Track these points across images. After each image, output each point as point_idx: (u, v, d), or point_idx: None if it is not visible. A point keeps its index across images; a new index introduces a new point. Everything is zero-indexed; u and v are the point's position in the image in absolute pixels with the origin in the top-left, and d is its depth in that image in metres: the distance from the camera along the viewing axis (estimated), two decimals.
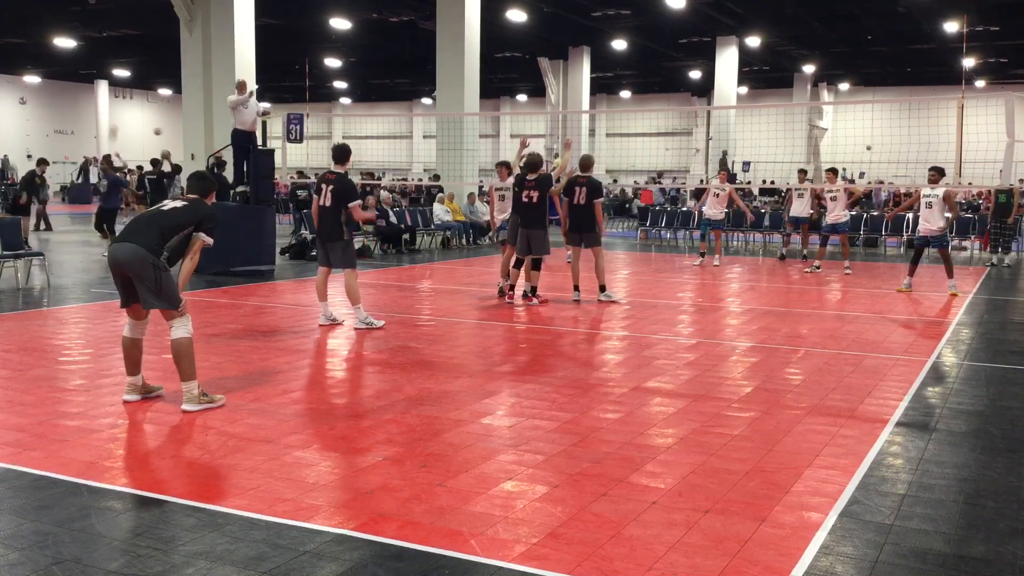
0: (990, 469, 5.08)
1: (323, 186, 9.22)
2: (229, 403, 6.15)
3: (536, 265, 11.26)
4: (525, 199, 11.07)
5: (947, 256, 13.04)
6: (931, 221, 12.74)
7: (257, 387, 6.67)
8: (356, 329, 9.21)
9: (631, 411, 6.21)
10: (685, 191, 33.73)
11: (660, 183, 42.20)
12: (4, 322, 9.52)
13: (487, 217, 13.31)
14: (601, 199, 11.56)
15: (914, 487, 4.73)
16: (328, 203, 9.12)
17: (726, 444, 5.42)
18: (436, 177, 24.58)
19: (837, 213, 15.52)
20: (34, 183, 19.15)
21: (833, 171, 16.35)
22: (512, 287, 11.50)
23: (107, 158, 18.48)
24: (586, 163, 11.56)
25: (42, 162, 19.13)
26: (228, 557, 3.75)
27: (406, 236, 18.99)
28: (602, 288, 11.49)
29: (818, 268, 15.69)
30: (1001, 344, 9.14)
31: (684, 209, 25.19)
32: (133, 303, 6.03)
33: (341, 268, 9.31)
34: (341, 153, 9.43)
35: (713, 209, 16.57)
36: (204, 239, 6.11)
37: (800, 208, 17.58)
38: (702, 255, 16.90)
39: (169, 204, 6.26)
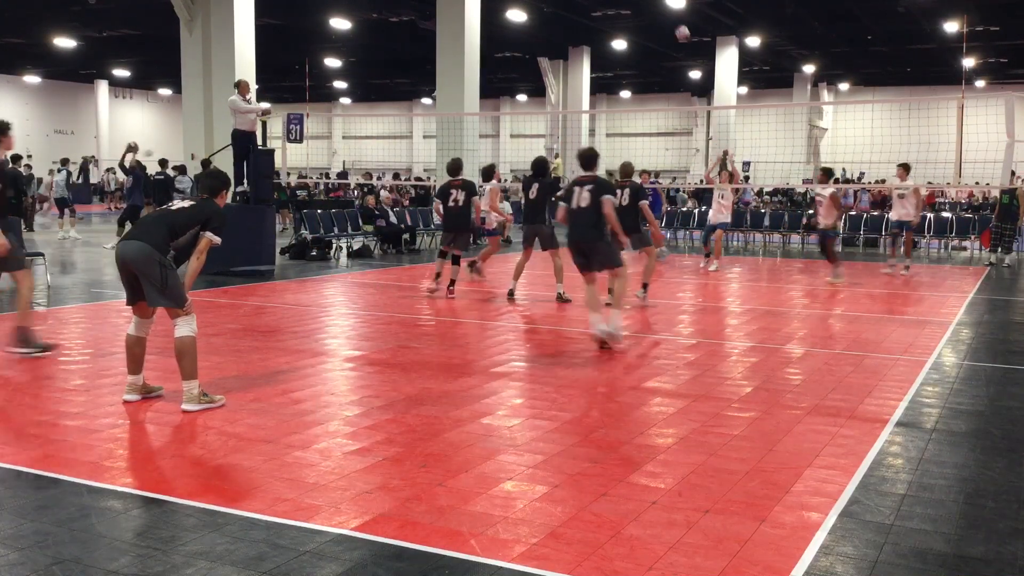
0: (990, 469, 5.08)
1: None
2: (229, 403, 6.15)
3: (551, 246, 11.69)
4: (531, 195, 11.76)
5: (829, 248, 13.97)
6: (822, 216, 13.91)
7: (257, 387, 6.68)
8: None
9: (631, 411, 6.21)
10: (683, 193, 33.62)
11: (659, 182, 42.11)
12: (4, 322, 9.52)
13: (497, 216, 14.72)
14: (646, 201, 11.58)
15: (914, 487, 4.73)
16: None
17: (726, 444, 5.42)
18: (427, 178, 24.52)
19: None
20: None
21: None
22: (438, 277, 12.02)
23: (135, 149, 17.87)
24: (627, 169, 12.05)
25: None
26: (228, 557, 3.75)
27: (406, 236, 19.00)
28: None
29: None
30: (1001, 344, 9.15)
31: (684, 209, 25.18)
32: (139, 301, 6.06)
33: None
34: (588, 159, 9.07)
35: (719, 214, 16.35)
36: (212, 238, 6.14)
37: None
38: (707, 255, 16.80)
39: (177, 203, 6.33)
